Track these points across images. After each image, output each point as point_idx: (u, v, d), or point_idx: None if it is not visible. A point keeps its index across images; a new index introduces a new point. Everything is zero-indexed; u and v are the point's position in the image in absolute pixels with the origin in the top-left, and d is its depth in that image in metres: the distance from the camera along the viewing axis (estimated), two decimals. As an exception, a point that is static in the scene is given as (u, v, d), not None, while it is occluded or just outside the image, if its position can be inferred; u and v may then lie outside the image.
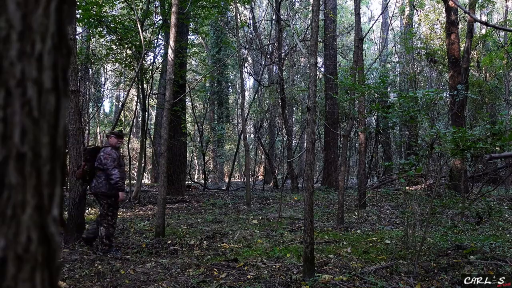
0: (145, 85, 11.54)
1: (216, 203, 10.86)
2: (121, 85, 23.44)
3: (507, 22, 15.52)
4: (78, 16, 9.17)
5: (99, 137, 20.52)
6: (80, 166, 5.21)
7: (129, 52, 11.83)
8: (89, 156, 5.18)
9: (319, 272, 4.07)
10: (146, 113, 11.78)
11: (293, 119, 23.78)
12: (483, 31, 16.95)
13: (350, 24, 22.30)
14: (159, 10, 11.99)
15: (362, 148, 9.32)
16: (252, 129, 24.16)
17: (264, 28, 19.67)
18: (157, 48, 13.45)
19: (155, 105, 19.36)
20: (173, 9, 6.50)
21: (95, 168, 5.14)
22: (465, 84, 11.74)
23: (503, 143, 4.18)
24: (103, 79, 23.45)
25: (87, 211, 8.55)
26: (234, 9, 12.61)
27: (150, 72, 11.90)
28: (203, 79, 15.80)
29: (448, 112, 14.57)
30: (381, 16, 15.44)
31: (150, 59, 13.48)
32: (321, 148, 18.20)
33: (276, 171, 17.79)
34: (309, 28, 14.80)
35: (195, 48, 17.24)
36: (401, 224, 7.13)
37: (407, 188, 9.41)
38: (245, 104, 15.24)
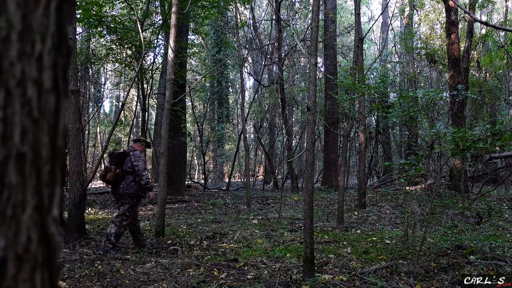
0: (145, 85, 11.55)
1: (216, 203, 10.86)
2: (121, 85, 23.43)
3: (507, 22, 15.52)
4: (78, 16, 9.16)
5: (99, 137, 20.50)
6: (110, 170, 5.32)
7: (129, 52, 11.83)
8: (118, 160, 5.38)
9: (319, 272, 4.07)
10: (146, 113, 11.78)
11: (293, 119, 23.78)
12: (483, 31, 16.95)
13: (350, 24, 22.30)
14: (159, 10, 11.99)
15: (362, 148, 9.32)
16: (252, 129, 24.16)
17: (264, 28, 19.67)
18: (157, 48, 13.45)
19: (155, 105, 19.36)
20: (173, 9, 6.50)
21: (125, 171, 5.35)
22: (465, 84, 11.74)
23: (503, 143, 4.18)
24: (103, 79, 23.44)
25: (87, 211, 8.55)
26: (234, 9, 12.61)
27: (150, 72, 11.90)
28: (203, 79, 15.80)
29: (448, 112, 14.57)
30: (381, 16, 15.44)
31: (150, 59, 13.50)
32: (321, 148, 18.20)
33: (276, 171, 17.79)
34: (309, 28, 14.80)
35: (195, 48, 17.24)
36: (401, 224, 7.13)
37: (407, 188, 9.41)
38: (245, 104, 15.24)
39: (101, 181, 5.78)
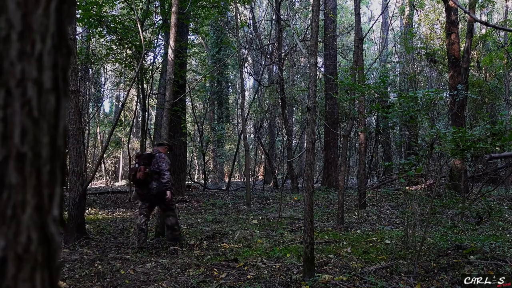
0: (145, 85, 11.54)
1: (216, 203, 10.86)
2: (121, 85, 23.42)
3: (507, 22, 15.51)
4: (78, 16, 9.16)
5: (99, 137, 20.50)
6: (140, 170, 5.49)
7: (129, 52, 11.82)
8: (147, 161, 5.63)
9: (319, 272, 4.07)
10: (146, 113, 11.78)
11: (293, 119, 23.77)
12: (483, 31, 16.94)
13: (350, 24, 22.29)
14: (159, 10, 11.98)
15: (362, 148, 9.32)
16: (252, 129, 24.16)
17: (264, 28, 19.67)
18: (157, 48, 13.44)
19: (155, 105, 19.35)
20: (173, 9, 6.50)
21: (153, 172, 5.58)
22: (465, 84, 11.73)
23: (503, 143, 4.18)
24: (103, 79, 23.45)
25: (87, 211, 8.55)
26: (234, 9, 12.61)
27: (150, 72, 11.89)
28: (203, 79, 15.79)
29: (448, 112, 14.56)
30: (381, 16, 15.44)
31: (150, 59, 13.49)
32: (321, 148, 18.19)
33: (276, 171, 17.79)
34: (309, 28, 14.79)
35: (195, 48, 17.24)
36: (401, 224, 7.13)
37: (407, 188, 9.40)
38: (245, 104, 15.25)
39: (131, 182, 6.05)
